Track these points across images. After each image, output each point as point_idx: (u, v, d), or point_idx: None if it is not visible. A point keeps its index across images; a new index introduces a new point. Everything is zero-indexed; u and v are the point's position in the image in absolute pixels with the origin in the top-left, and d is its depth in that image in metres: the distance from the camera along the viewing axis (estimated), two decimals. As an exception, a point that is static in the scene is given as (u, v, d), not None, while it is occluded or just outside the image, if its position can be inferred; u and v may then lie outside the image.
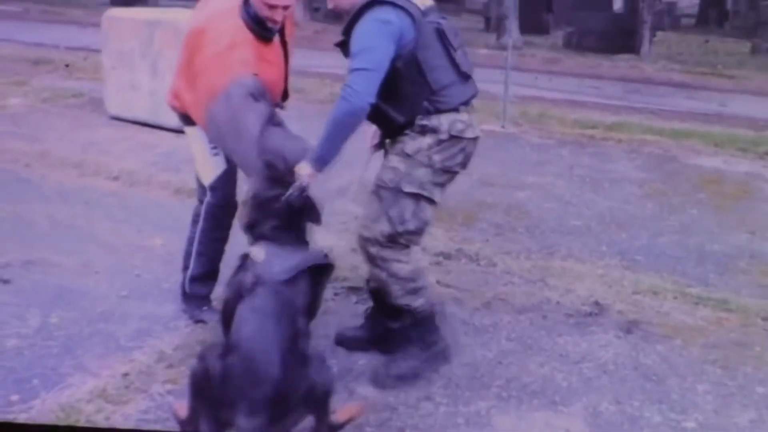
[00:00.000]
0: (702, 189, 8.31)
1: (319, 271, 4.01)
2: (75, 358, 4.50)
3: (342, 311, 4.36)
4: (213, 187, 4.81)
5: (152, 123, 9.38)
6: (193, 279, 4.98)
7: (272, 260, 3.83)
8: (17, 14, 24.56)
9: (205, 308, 4.96)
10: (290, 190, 3.93)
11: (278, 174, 4.03)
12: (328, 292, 5.27)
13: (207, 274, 4.98)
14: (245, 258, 3.95)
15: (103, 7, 18.36)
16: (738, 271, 6.19)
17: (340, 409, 3.84)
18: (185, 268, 5.01)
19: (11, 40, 16.94)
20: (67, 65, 13.95)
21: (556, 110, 12.17)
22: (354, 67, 3.92)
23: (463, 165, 4.33)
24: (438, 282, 5.65)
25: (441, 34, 4.12)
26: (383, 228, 4.22)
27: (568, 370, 4.63)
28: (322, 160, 3.96)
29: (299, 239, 4.08)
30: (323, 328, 4.82)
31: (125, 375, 4.32)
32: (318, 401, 3.61)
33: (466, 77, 4.25)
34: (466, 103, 4.25)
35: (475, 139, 4.30)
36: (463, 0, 33.39)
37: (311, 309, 4.00)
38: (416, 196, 4.20)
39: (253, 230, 4.05)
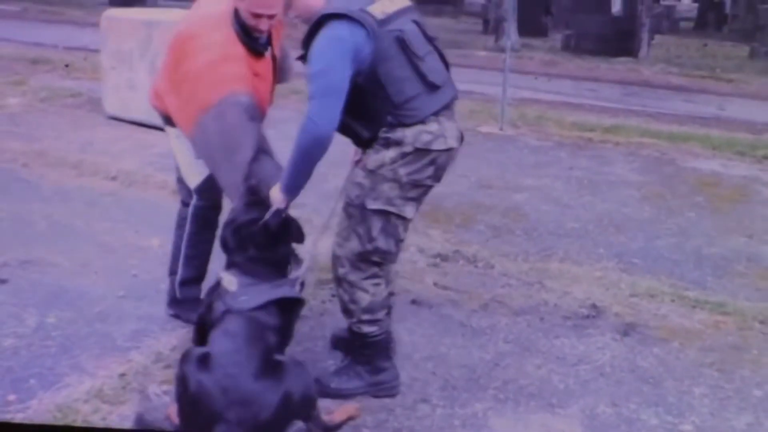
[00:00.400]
0: (700, 192, 8.31)
1: (290, 304, 3.95)
2: (72, 358, 4.50)
3: (338, 313, 4.34)
4: (199, 190, 4.75)
5: (150, 123, 9.32)
6: (183, 283, 4.93)
7: (243, 291, 3.83)
8: (16, 14, 24.53)
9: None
10: (267, 214, 3.94)
11: (259, 200, 4.02)
12: (324, 294, 5.29)
13: (197, 276, 4.94)
14: (218, 284, 3.96)
15: (102, 7, 18.36)
16: (735, 274, 6.19)
17: (337, 410, 3.90)
18: (173, 273, 4.96)
19: (10, 40, 16.92)
20: (66, 65, 13.95)
21: (554, 113, 12.16)
22: (311, 95, 3.79)
23: (436, 178, 4.12)
24: (435, 284, 5.68)
25: (402, 44, 3.91)
26: (353, 246, 4.09)
27: (565, 372, 4.63)
28: (292, 189, 3.93)
29: (276, 270, 4.03)
30: (320, 330, 4.84)
31: (122, 375, 4.33)
32: (300, 407, 3.62)
33: (434, 87, 4.02)
34: (437, 113, 4.02)
35: (448, 150, 4.08)
36: (461, 2, 33.34)
37: (283, 337, 3.92)
38: (384, 213, 4.03)
39: (231, 256, 4.02)
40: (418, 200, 4.12)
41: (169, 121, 4.69)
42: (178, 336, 4.72)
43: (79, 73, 13.33)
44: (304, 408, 3.63)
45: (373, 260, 4.12)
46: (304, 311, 4.41)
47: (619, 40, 20.30)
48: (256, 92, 4.41)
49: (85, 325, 4.88)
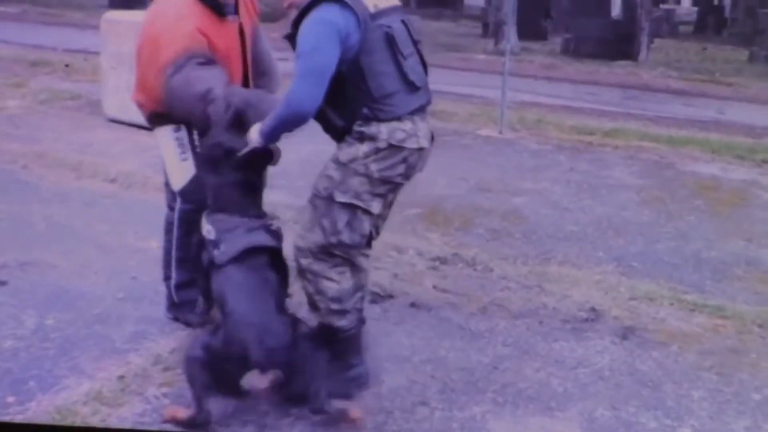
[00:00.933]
0: (699, 196, 8.31)
1: (267, 249, 4.13)
2: (71, 360, 4.50)
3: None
4: (183, 192, 4.75)
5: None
6: (179, 286, 4.92)
7: (221, 238, 4.06)
8: (15, 15, 24.54)
9: (197, 310, 4.89)
10: (244, 150, 4.07)
11: (242, 126, 4.13)
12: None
13: (192, 279, 4.84)
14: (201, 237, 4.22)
15: (102, 9, 18.35)
16: (734, 278, 6.19)
17: (342, 407, 3.97)
18: (167, 277, 4.95)
19: (9, 42, 16.93)
20: (66, 65, 13.96)
21: (554, 116, 12.16)
22: (297, 72, 3.84)
23: (406, 176, 4.11)
24: (434, 287, 5.67)
25: (390, 40, 3.94)
26: (316, 238, 4.07)
27: (564, 375, 4.63)
28: (267, 139, 4.04)
29: (253, 205, 4.21)
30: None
31: (121, 377, 4.32)
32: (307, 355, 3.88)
33: (414, 87, 4.04)
34: (413, 113, 4.04)
35: (420, 149, 4.07)
36: (461, 5, 33.37)
37: (279, 276, 4.17)
38: (351, 207, 4.01)
39: (209, 176, 4.23)
40: (385, 197, 4.12)
41: (154, 120, 4.73)
42: (177, 338, 4.71)
43: (79, 75, 13.34)
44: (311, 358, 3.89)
45: (335, 253, 4.10)
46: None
47: (618, 44, 20.32)
48: (217, 48, 4.52)
49: (84, 327, 4.88)
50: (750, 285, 6.06)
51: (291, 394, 3.94)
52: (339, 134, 4.06)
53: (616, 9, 23.61)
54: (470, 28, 27.06)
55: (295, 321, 4.02)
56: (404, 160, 4.02)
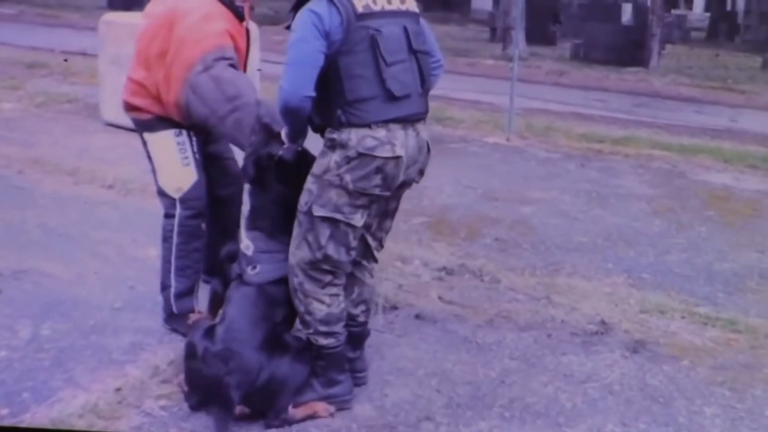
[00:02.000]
0: (711, 206, 8.31)
1: None
2: (66, 372, 4.48)
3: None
4: (184, 200, 4.76)
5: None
6: (179, 296, 4.90)
7: (257, 259, 4.24)
8: (12, 16, 24.60)
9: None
10: (281, 150, 4.20)
11: (273, 135, 4.24)
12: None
13: (192, 287, 4.92)
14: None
15: (100, 10, 18.39)
16: (747, 290, 6.18)
17: (302, 405, 4.12)
18: (165, 287, 4.93)
19: (5, 43, 16.96)
20: (65, 59, 13.96)
21: (563, 123, 12.18)
22: (286, 62, 3.88)
23: (385, 187, 3.99)
24: (440, 298, 5.66)
25: (374, 43, 3.88)
26: (303, 255, 4.07)
27: (572, 390, 4.61)
28: (290, 138, 4.16)
29: (292, 223, 4.24)
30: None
31: (118, 390, 4.29)
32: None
33: (391, 96, 3.92)
34: (388, 121, 3.93)
35: (396, 158, 3.95)
36: (468, 9, 33.45)
37: (292, 310, 4.28)
38: (332, 220, 3.98)
39: (255, 190, 4.40)
40: (367, 208, 4.05)
41: (148, 126, 4.73)
42: (175, 349, 4.67)
43: (76, 78, 13.36)
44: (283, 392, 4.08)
45: (325, 269, 4.09)
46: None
47: (629, 50, 20.38)
48: (238, 53, 4.63)
49: (80, 338, 4.86)
50: (763, 298, 6.04)
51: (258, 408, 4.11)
52: (319, 132, 4.08)
53: (626, 14, 23.67)
54: (477, 33, 27.12)
55: (279, 349, 4.16)
56: (379, 170, 3.93)
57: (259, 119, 4.28)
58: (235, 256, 4.37)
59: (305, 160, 4.23)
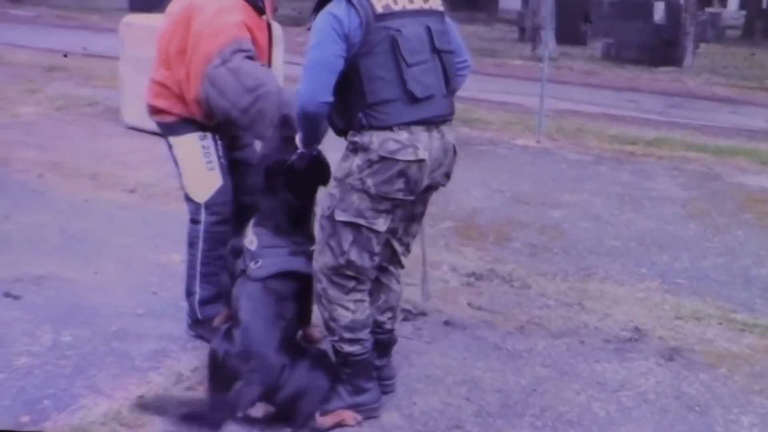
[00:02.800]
0: (748, 209, 8.27)
1: (304, 277, 4.25)
2: (88, 379, 4.49)
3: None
4: (209, 205, 4.77)
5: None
6: (204, 302, 4.92)
7: (260, 254, 4.26)
8: (31, 19, 24.74)
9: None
10: (294, 156, 4.22)
11: (291, 133, 4.25)
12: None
13: (218, 293, 4.90)
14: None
15: (120, 12, 18.47)
16: (786, 296, 6.15)
17: (330, 413, 4.12)
18: (190, 293, 4.94)
19: (24, 46, 17.07)
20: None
21: (594, 124, 12.16)
22: (304, 66, 3.88)
23: (408, 191, 3.97)
24: (469, 304, 5.66)
25: (394, 44, 3.86)
26: (327, 260, 4.07)
27: (606, 398, 4.59)
28: (305, 144, 4.19)
29: (301, 229, 4.37)
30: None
31: (141, 397, 4.30)
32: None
33: (413, 98, 3.91)
34: (410, 124, 3.91)
35: (419, 161, 3.93)
36: (495, 8, 33.42)
37: (302, 306, 4.39)
38: (354, 225, 3.97)
39: (260, 198, 4.41)
40: (391, 213, 4.03)
41: (170, 130, 4.75)
42: (199, 356, 4.69)
43: (97, 81, 13.43)
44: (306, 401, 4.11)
45: (348, 274, 4.08)
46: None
47: (661, 49, 20.32)
48: (257, 46, 4.63)
49: (102, 344, 4.88)
50: (803, 304, 6.01)
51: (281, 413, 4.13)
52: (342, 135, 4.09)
53: (659, 13, 23.58)
54: (505, 33, 27.11)
55: (297, 352, 4.20)
56: (401, 174, 3.91)
57: (280, 109, 4.34)
58: (239, 251, 4.42)
59: (318, 166, 4.29)
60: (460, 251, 6.64)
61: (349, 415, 4.16)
